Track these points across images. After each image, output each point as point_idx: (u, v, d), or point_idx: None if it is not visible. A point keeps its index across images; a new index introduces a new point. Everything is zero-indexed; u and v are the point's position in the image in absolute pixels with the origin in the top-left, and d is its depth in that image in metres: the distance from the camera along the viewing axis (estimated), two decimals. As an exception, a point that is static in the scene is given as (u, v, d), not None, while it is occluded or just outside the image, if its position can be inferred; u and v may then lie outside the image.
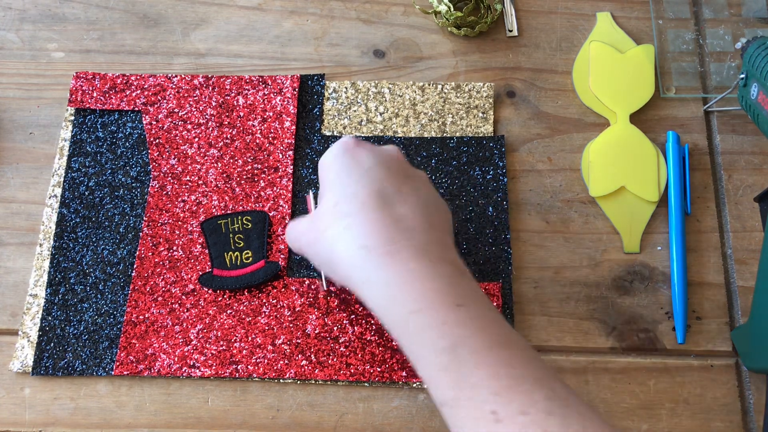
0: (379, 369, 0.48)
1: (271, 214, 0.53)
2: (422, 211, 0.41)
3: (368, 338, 0.49)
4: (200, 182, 0.54)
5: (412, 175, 0.43)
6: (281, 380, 0.49)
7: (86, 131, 0.56)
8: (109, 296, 0.51)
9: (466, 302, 0.36)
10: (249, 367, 0.48)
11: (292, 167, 0.54)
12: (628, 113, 0.55)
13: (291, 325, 0.50)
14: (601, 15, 0.59)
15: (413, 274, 0.37)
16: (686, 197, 0.53)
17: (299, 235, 0.44)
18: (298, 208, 0.53)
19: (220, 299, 0.50)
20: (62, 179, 0.54)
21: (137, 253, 0.52)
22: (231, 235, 0.52)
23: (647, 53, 0.57)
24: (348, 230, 0.39)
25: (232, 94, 0.56)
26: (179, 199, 0.53)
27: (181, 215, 0.53)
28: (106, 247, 0.52)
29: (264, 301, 0.50)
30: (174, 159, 0.54)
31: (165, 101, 0.56)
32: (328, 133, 0.55)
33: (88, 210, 0.53)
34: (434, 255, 0.38)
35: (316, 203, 0.46)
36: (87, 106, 0.56)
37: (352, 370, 0.48)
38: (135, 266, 0.51)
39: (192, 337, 0.49)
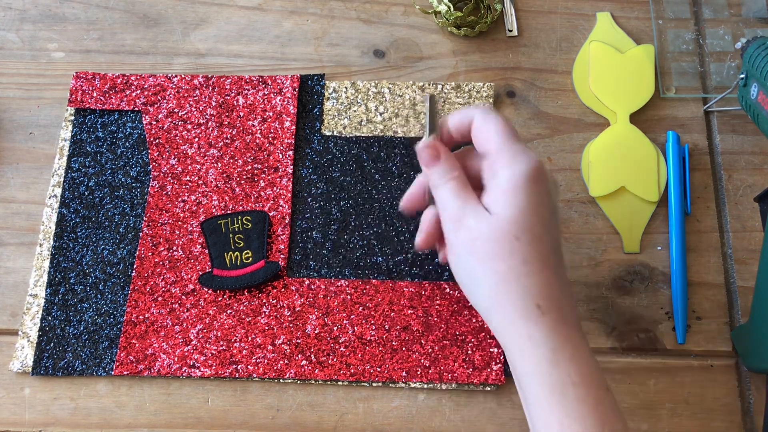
0: (379, 369, 0.48)
1: (271, 214, 0.53)
2: (565, 268, 0.41)
3: (368, 338, 0.49)
4: (200, 182, 0.54)
5: None
6: (281, 380, 0.49)
7: (86, 131, 0.56)
8: (109, 296, 0.51)
9: (607, 385, 0.38)
10: (249, 367, 0.48)
11: (292, 167, 0.54)
12: (628, 113, 0.55)
13: (291, 325, 0.50)
14: (601, 15, 0.59)
15: (580, 347, 0.38)
16: (686, 197, 0.53)
17: (455, 221, 0.40)
18: (298, 208, 0.53)
19: (220, 299, 0.50)
20: (62, 179, 0.54)
21: (137, 253, 0.52)
22: (231, 235, 0.52)
23: (647, 53, 0.57)
24: (525, 280, 0.38)
25: (232, 94, 0.56)
26: (179, 199, 0.53)
27: (181, 215, 0.53)
28: (106, 247, 0.52)
29: (264, 301, 0.50)
30: (174, 159, 0.54)
31: (165, 101, 0.56)
32: (328, 133, 0.55)
33: (88, 210, 0.53)
34: (579, 324, 0.40)
35: (431, 112, 0.43)
36: (87, 106, 0.56)
37: (352, 370, 0.48)
38: (135, 266, 0.51)
39: (192, 337, 0.49)
